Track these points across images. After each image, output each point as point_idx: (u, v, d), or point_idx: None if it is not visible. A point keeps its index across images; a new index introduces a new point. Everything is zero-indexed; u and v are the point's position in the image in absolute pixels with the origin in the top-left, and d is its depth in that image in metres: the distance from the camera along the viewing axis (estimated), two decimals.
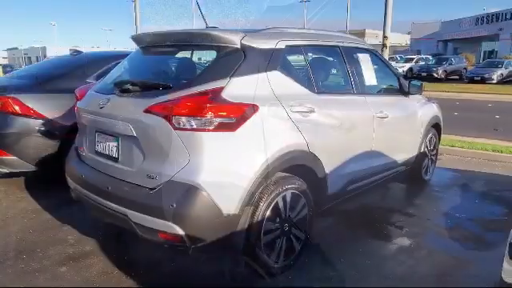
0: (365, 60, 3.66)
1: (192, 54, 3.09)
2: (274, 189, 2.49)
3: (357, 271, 2.79)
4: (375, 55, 3.86)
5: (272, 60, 2.65)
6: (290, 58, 2.92)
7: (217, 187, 2.24)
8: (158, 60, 3.14)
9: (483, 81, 22.34)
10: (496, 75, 22.61)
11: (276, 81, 2.63)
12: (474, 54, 38.74)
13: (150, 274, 2.75)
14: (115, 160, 2.57)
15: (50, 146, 4.26)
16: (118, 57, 4.98)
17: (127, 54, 5.11)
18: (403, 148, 4.10)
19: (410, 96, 4.11)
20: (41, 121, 4.20)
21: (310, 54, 3.01)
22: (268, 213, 2.48)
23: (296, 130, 2.63)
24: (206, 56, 3.22)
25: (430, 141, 4.63)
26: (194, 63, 2.98)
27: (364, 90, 3.48)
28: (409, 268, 2.84)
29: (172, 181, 2.25)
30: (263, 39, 2.66)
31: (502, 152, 5.98)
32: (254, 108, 2.38)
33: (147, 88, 2.50)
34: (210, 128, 2.23)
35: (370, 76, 3.65)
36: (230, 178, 2.29)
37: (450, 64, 26.10)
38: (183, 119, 2.22)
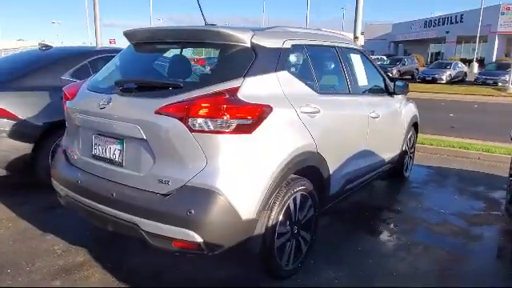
0: (357, 60, 3.70)
1: (180, 51, 2.94)
2: (287, 191, 2.44)
3: (361, 270, 2.81)
4: (364, 56, 3.92)
5: (280, 59, 2.60)
6: (295, 57, 2.88)
7: (235, 191, 2.15)
8: (159, 58, 2.98)
9: (434, 81, 23.61)
10: (445, 75, 23.98)
11: (285, 81, 2.58)
12: (423, 56, 40.90)
13: (152, 282, 2.61)
14: (118, 164, 2.39)
15: (21, 149, 3.94)
16: (94, 53, 4.73)
17: (105, 51, 4.91)
18: (390, 147, 4.20)
19: (394, 96, 4.23)
20: (11, 121, 3.87)
21: (312, 54, 2.98)
22: (281, 216, 2.43)
23: (306, 130, 2.60)
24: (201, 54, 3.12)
25: (410, 139, 4.79)
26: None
27: (358, 91, 3.52)
28: (410, 264, 2.91)
29: (188, 186, 2.14)
30: (271, 38, 2.60)
31: (467, 149, 6.33)
32: (269, 109, 2.31)
33: (155, 87, 2.36)
34: (228, 130, 2.13)
35: (361, 76, 3.70)
36: (248, 182, 2.21)
37: (404, 64, 27.33)
38: (200, 121, 2.11)
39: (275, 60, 2.56)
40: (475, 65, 31.82)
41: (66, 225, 3.38)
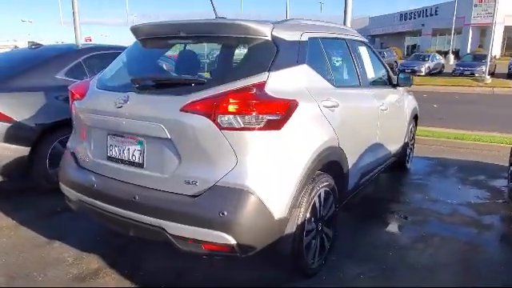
0: (364, 52, 3.67)
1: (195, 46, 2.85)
2: (313, 188, 2.38)
3: (384, 264, 2.79)
4: (370, 48, 3.89)
5: (300, 53, 2.53)
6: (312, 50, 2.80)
7: (267, 190, 2.07)
8: (181, 53, 2.84)
9: (413, 73, 23.93)
10: (424, 68, 24.39)
11: (306, 75, 2.52)
12: (400, 48, 41.56)
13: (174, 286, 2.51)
14: (139, 166, 2.28)
15: (18, 152, 3.74)
16: (88, 51, 4.54)
17: (99, 48, 4.72)
18: (396, 139, 4.20)
19: (397, 88, 4.22)
20: (6, 124, 3.67)
21: (326, 47, 2.92)
22: (308, 213, 2.37)
23: (329, 125, 2.54)
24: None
25: (411, 131, 4.81)
26: (223, 56, 2.72)
27: (367, 83, 3.49)
28: (430, 256, 2.91)
29: (218, 186, 2.05)
30: (290, 31, 2.53)
31: (462, 139, 6.44)
32: (295, 103, 2.24)
33: (176, 84, 2.25)
34: (258, 126, 2.05)
35: (369, 68, 3.67)
36: (280, 180, 2.14)
37: (383, 57, 27.57)
38: (230, 117, 2.02)
39: (296, 53, 2.49)
40: (451, 56, 32.53)
41: (73, 231, 3.24)
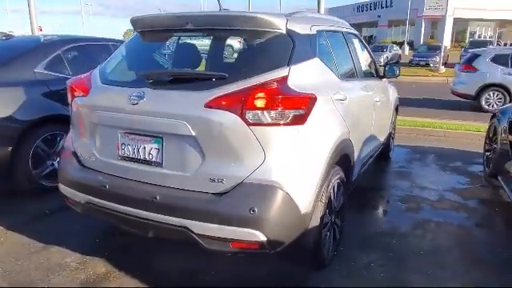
0: (357, 45, 3.73)
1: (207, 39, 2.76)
2: (330, 181, 2.41)
3: (391, 252, 2.88)
4: (360, 40, 3.96)
5: (312, 46, 2.53)
6: (320, 44, 2.80)
7: (295, 185, 2.07)
8: (185, 46, 2.73)
9: None
10: (383, 58, 25.18)
11: (318, 68, 2.52)
12: None
13: (192, 283, 2.46)
14: (157, 165, 2.18)
15: None
16: (66, 42, 4.28)
17: (78, 40, 4.46)
18: (384, 129, 4.33)
19: (383, 79, 4.34)
20: None
21: (330, 40, 2.94)
22: (326, 206, 2.40)
23: (341, 118, 2.57)
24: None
25: (393, 121, 4.98)
26: (233, 49, 2.66)
27: (362, 75, 3.56)
28: (432, 242, 3.05)
29: (246, 183, 2.01)
30: (302, 24, 2.51)
31: (434, 128, 6.75)
32: (315, 98, 2.23)
33: (195, 79, 2.17)
34: (285, 121, 2.03)
35: (362, 60, 3.74)
36: (305, 174, 2.14)
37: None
38: (258, 113, 1.98)
39: (309, 47, 2.48)
40: (406, 47, 33.87)
41: (68, 234, 3.07)
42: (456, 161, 5.17)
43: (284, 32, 2.33)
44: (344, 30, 3.42)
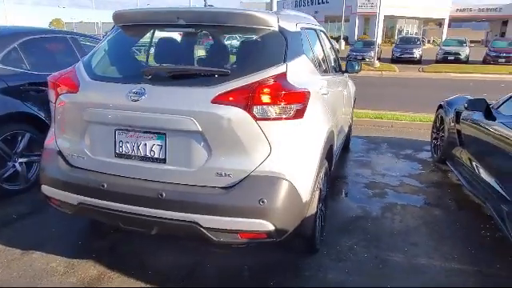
0: (326, 41, 3.92)
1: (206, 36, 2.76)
2: (321, 170, 2.56)
3: (368, 234, 3.12)
4: (327, 36, 4.16)
5: (299, 43, 2.64)
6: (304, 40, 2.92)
7: (297, 176, 2.18)
8: (178, 42, 2.69)
9: None
10: None
11: (306, 64, 2.65)
12: None
13: (191, 278, 2.49)
14: (160, 161, 2.17)
15: None
16: (22, 35, 3.99)
17: (34, 32, 4.16)
18: (347, 121, 4.60)
19: (345, 74, 4.60)
20: None
21: (309, 37, 3.07)
22: (319, 194, 2.55)
23: (327, 111, 2.73)
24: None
25: (352, 113, 5.30)
26: (226, 46, 2.67)
27: (331, 70, 3.77)
28: (402, 223, 3.34)
29: (254, 175, 2.09)
30: (290, 21, 2.61)
31: (381, 118, 7.25)
32: (309, 93, 2.36)
33: (197, 75, 2.18)
34: (287, 116, 2.13)
35: (330, 56, 3.94)
36: (305, 165, 2.27)
37: None
38: (265, 108, 2.06)
39: (298, 43, 2.59)
40: (342, 42, 35.43)
41: (46, 238, 2.93)
42: (407, 149, 5.62)
43: (276, 29, 2.41)
44: (316, 27, 3.59)
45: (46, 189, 2.47)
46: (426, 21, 44.41)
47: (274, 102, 2.08)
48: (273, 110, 2.08)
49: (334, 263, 2.71)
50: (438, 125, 5.06)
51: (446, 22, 44.02)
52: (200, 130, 2.07)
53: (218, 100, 2.05)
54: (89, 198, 2.28)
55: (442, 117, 4.89)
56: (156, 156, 2.18)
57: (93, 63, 2.50)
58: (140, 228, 2.30)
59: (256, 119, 2.06)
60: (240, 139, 2.08)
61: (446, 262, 2.76)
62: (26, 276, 2.47)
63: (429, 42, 42.09)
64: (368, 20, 40.18)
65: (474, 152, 3.76)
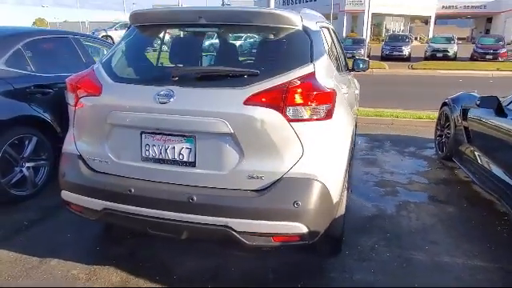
0: (336, 40, 3.90)
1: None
2: (347, 170, 2.54)
3: (388, 233, 3.12)
4: (336, 34, 4.15)
5: (321, 42, 2.61)
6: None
7: (329, 177, 2.16)
8: (202, 42, 2.63)
9: None
10: None
11: (328, 64, 2.61)
12: None
13: (216, 282, 2.45)
14: (189, 165, 2.13)
15: None
16: (25, 35, 3.88)
17: (39, 32, 4.04)
18: (355, 118, 4.60)
19: (351, 72, 4.60)
20: None
21: (326, 36, 3.05)
22: (346, 194, 2.53)
23: (349, 111, 2.72)
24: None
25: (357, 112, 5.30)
26: (251, 46, 2.61)
27: (344, 68, 3.75)
28: (418, 221, 3.35)
29: (287, 177, 2.06)
30: (311, 20, 2.58)
31: (381, 116, 7.28)
32: (335, 93, 2.34)
33: (228, 76, 2.14)
34: (318, 116, 2.10)
35: (341, 55, 3.93)
36: (335, 166, 2.24)
37: None
38: (297, 109, 2.03)
39: (320, 42, 2.56)
40: None
41: (61, 244, 2.86)
42: (411, 146, 5.66)
43: (300, 28, 2.38)
44: (330, 25, 3.57)
45: (67, 194, 2.40)
46: (413, 18, 44.91)
47: (305, 103, 2.06)
48: (305, 111, 2.06)
49: (358, 263, 2.70)
50: (442, 122, 5.09)
51: (433, 19, 44.58)
52: (232, 131, 2.03)
53: (250, 101, 2.02)
54: (114, 204, 2.22)
55: (446, 114, 4.92)
56: (185, 159, 2.13)
57: (113, 65, 2.44)
58: (169, 233, 2.25)
59: (289, 120, 2.03)
60: (273, 141, 2.04)
61: (469, 260, 2.77)
62: (48, 284, 2.40)
63: (416, 39, 42.54)
64: (356, 18, 40.45)
65: (486, 149, 3.78)
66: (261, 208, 2.04)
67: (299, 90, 2.04)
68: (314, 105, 2.09)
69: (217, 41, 2.70)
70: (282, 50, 2.38)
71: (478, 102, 3.68)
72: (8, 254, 2.72)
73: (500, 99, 3.59)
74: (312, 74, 2.18)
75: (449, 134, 4.81)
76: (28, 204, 3.47)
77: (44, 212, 3.34)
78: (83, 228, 3.05)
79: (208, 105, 2.06)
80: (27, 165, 3.56)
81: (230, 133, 2.04)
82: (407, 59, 22.97)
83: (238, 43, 2.78)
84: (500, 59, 21.83)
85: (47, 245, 2.84)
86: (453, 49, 23.14)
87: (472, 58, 22.56)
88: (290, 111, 2.02)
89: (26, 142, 3.54)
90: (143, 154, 2.20)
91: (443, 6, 46.60)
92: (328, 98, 2.19)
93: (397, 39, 25.84)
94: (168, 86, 2.12)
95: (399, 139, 6.07)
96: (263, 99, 2.02)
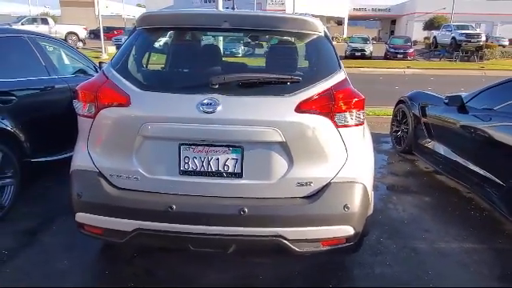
0: None
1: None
2: None
3: (386, 225, 3.31)
4: None
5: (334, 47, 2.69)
6: None
7: (366, 178, 2.24)
8: (226, 48, 2.49)
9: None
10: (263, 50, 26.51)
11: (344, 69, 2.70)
12: None
13: None
14: (235, 176, 2.05)
15: None
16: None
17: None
18: None
19: None
20: None
21: None
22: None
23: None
24: None
25: None
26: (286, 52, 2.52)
27: None
28: (405, 212, 3.62)
29: (334, 182, 2.10)
30: (323, 25, 2.64)
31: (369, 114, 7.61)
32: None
33: (271, 83, 2.09)
34: (357, 122, 2.18)
35: None
36: (369, 167, 2.33)
37: None
38: (343, 115, 2.08)
39: (335, 48, 2.63)
40: None
41: (63, 272, 2.57)
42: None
43: (323, 34, 2.42)
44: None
45: (85, 217, 2.15)
46: (328, 19, 47.55)
47: (348, 109, 2.11)
48: (349, 117, 2.12)
49: (373, 258, 2.84)
50: (399, 118, 5.52)
51: (346, 20, 47.76)
52: (284, 140, 2.01)
53: (301, 108, 2.01)
54: (150, 223, 2.05)
55: (403, 111, 5.35)
56: (230, 170, 2.05)
57: (132, 71, 2.24)
58: (215, 248, 2.15)
59: (337, 126, 2.07)
60: (322, 147, 2.07)
61: (461, 243, 3.08)
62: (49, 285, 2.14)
63: (332, 39, 45.10)
64: None
65: (449, 143, 4.20)
66: (312, 214, 2.05)
67: (341, 96, 2.09)
68: (354, 111, 2.15)
69: (243, 47, 2.63)
70: (315, 56, 2.40)
71: (447, 101, 4.08)
72: (23, 268, 2.38)
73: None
74: (345, 81, 2.25)
75: (406, 129, 5.24)
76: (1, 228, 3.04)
77: (23, 238, 2.95)
78: (78, 251, 2.77)
79: (257, 113, 2.01)
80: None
81: (281, 141, 2.01)
82: None
83: (264, 49, 2.70)
84: (409, 58, 24.22)
85: (45, 276, 2.51)
86: (369, 48, 25.03)
87: (386, 57, 24.67)
88: (337, 117, 2.07)
89: None
90: (181, 168, 2.06)
91: (354, 9, 50.18)
92: (362, 103, 2.27)
93: None
94: (210, 94, 2.02)
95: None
96: (313, 106, 2.03)
